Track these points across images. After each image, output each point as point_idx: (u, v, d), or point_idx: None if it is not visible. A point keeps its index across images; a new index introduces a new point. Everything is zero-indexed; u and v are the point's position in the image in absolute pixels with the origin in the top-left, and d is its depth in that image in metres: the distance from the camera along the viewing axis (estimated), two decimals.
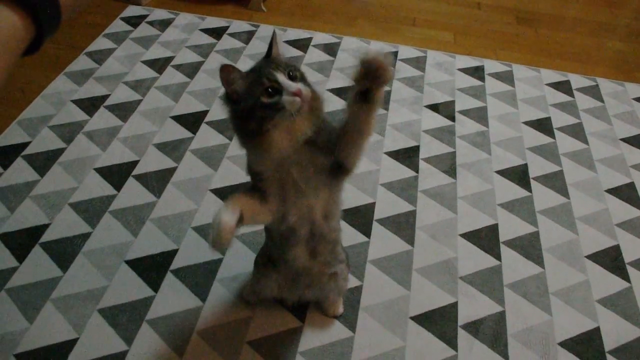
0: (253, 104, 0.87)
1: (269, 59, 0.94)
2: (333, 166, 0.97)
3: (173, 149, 1.79)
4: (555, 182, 1.80)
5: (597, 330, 1.39)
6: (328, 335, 1.32)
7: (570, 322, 1.40)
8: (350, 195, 1.68)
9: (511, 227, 1.63)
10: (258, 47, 2.33)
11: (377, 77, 0.82)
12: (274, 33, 0.97)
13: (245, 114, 0.88)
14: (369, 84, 0.83)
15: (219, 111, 1.96)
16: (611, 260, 1.57)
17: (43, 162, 1.71)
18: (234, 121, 0.92)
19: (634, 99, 2.25)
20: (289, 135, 0.89)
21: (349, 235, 1.56)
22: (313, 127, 0.91)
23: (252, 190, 0.99)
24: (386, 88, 0.93)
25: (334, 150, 0.94)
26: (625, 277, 1.53)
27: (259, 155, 0.94)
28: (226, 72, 0.88)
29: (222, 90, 0.96)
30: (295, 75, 0.89)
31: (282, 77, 0.87)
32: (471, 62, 2.38)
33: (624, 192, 1.79)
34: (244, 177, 1.68)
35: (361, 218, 1.61)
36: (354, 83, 0.85)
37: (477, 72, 2.31)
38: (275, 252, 1.17)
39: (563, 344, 1.35)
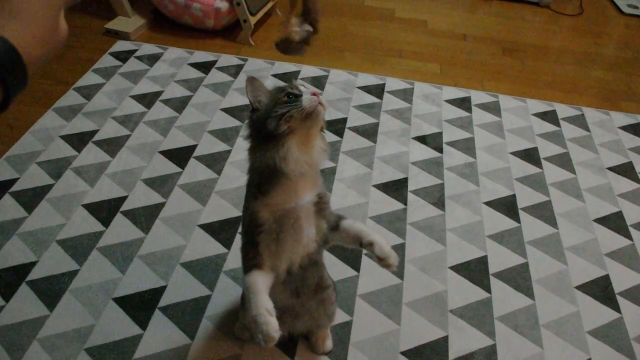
0: (275, 103, 0.94)
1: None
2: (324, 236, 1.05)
3: (161, 184, 1.79)
4: (544, 212, 1.80)
5: None
6: None
7: (561, 355, 1.39)
8: None
9: (500, 258, 1.63)
10: None
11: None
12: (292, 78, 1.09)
13: (265, 116, 0.94)
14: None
15: (207, 145, 1.96)
16: (601, 290, 1.57)
17: (31, 199, 1.70)
18: (253, 128, 0.98)
19: (619, 127, 2.27)
20: (304, 145, 0.95)
21: (338, 269, 1.55)
22: (323, 151, 0.98)
23: (247, 256, 1.02)
24: None
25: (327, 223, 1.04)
26: (615, 307, 1.52)
27: (275, 161, 0.93)
28: (252, 83, 0.97)
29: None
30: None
31: (302, 87, 0.97)
32: (458, 93, 2.40)
33: (612, 221, 1.80)
34: (232, 212, 1.68)
35: (350, 252, 1.60)
36: None
37: (463, 103, 2.33)
38: None
39: None
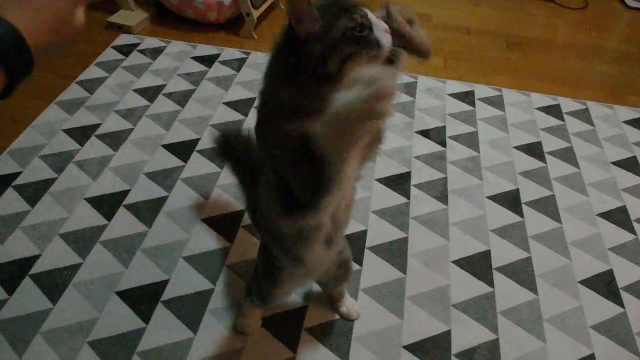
0: (340, 37, 0.71)
1: None
2: None
3: (164, 177, 1.79)
4: (547, 207, 1.80)
5: (591, 357, 1.38)
6: None
7: (564, 349, 1.39)
8: None
9: (503, 253, 1.63)
10: (249, 75, 2.34)
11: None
12: None
13: (320, 53, 0.71)
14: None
15: (210, 139, 1.96)
16: (604, 285, 1.56)
17: (33, 193, 1.70)
18: (295, 67, 0.73)
19: (623, 121, 2.26)
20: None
21: None
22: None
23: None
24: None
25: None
26: (619, 302, 1.52)
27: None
28: (298, 4, 0.70)
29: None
30: None
31: (370, 13, 0.75)
32: (461, 87, 2.39)
33: (615, 216, 1.79)
34: (235, 207, 1.68)
35: (353, 246, 1.60)
36: None
37: (467, 97, 2.32)
38: (286, 259, 1.04)
39: None
